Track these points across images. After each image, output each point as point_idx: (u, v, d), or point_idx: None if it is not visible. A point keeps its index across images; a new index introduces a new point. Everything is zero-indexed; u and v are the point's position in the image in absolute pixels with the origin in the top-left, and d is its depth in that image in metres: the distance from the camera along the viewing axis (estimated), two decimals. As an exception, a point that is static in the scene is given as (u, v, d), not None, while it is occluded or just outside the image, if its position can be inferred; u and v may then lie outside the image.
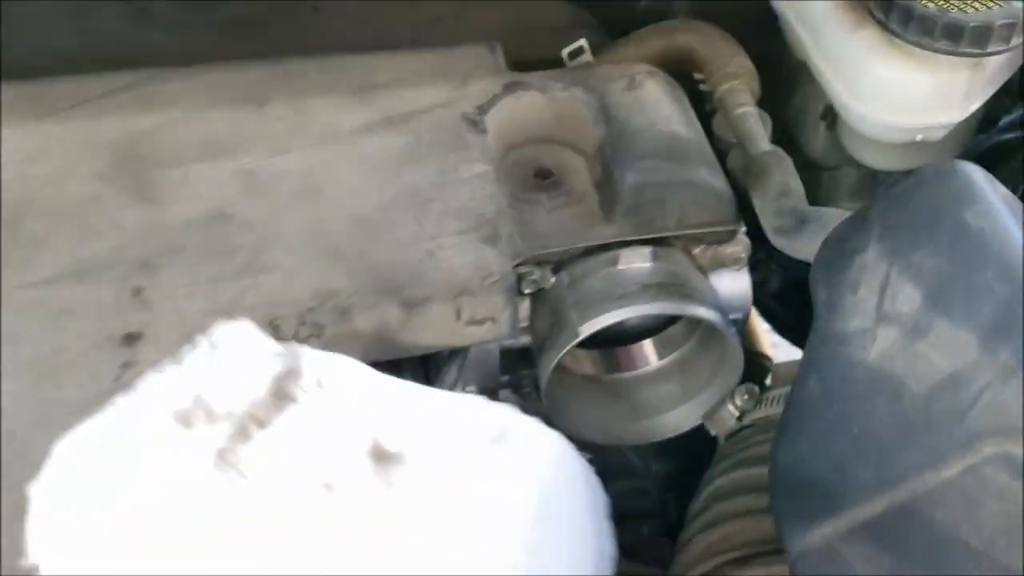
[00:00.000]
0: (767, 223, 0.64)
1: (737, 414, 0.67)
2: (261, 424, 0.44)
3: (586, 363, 0.76)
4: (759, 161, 0.70)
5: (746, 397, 0.67)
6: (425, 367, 0.74)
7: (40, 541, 0.41)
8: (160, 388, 0.47)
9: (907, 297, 0.45)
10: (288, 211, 0.64)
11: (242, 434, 0.44)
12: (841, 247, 0.49)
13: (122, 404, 0.46)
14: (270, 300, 0.60)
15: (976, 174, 0.46)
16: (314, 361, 0.47)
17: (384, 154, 0.67)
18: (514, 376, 0.78)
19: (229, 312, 0.59)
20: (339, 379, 0.48)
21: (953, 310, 0.43)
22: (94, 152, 0.67)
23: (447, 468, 0.47)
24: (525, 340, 0.76)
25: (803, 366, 0.50)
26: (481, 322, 0.61)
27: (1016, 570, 0.37)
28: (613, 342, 0.74)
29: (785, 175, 0.68)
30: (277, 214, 0.64)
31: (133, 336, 0.58)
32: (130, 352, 0.57)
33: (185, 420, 0.45)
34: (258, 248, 0.62)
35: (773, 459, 0.49)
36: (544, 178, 0.72)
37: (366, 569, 0.43)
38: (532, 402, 0.78)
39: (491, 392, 0.77)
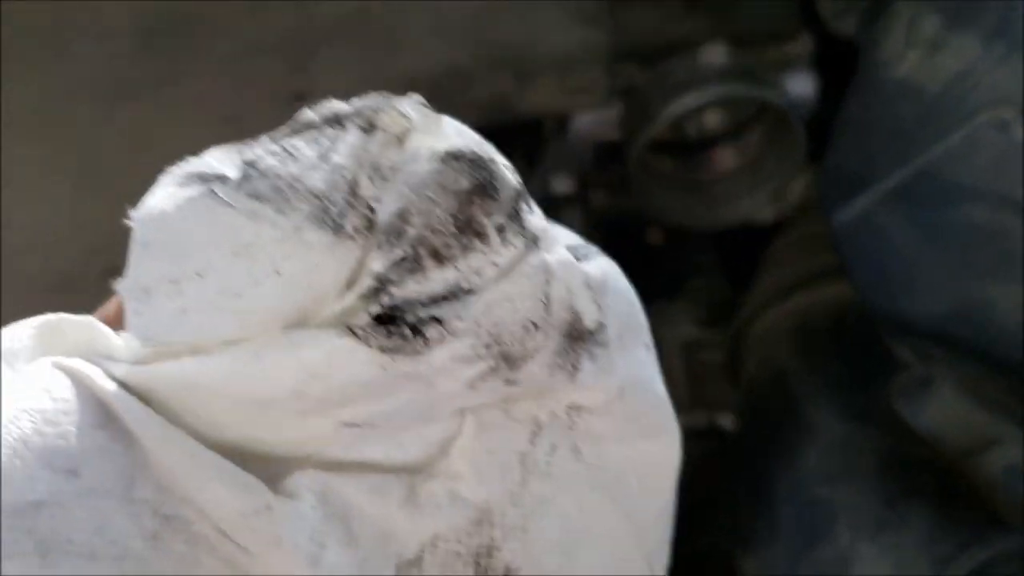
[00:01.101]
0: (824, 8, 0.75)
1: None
2: (439, 259, 0.28)
3: (668, 164, 0.88)
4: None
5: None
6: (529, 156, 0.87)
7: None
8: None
9: (930, 23, 0.57)
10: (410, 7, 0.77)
11: (412, 267, 0.27)
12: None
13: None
14: (406, 76, 0.73)
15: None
16: (508, 182, 0.29)
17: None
18: (608, 171, 0.90)
19: (373, 86, 0.73)
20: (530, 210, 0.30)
21: (963, 24, 0.55)
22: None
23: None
24: (617, 136, 0.88)
25: (849, 96, 0.62)
26: (583, 91, 0.74)
27: (1004, 192, 0.49)
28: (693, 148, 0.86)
29: None
30: (405, 9, 0.77)
31: (302, 94, 0.72)
32: (301, 106, 0.71)
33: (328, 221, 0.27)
34: (392, 31, 0.75)
35: (824, 167, 0.62)
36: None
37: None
38: (621, 199, 0.90)
39: (583, 187, 0.89)
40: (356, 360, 0.27)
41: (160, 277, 0.27)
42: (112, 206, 0.30)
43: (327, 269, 0.27)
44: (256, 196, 0.27)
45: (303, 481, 0.27)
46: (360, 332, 0.27)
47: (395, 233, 0.27)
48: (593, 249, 0.31)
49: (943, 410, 0.55)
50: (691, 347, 0.91)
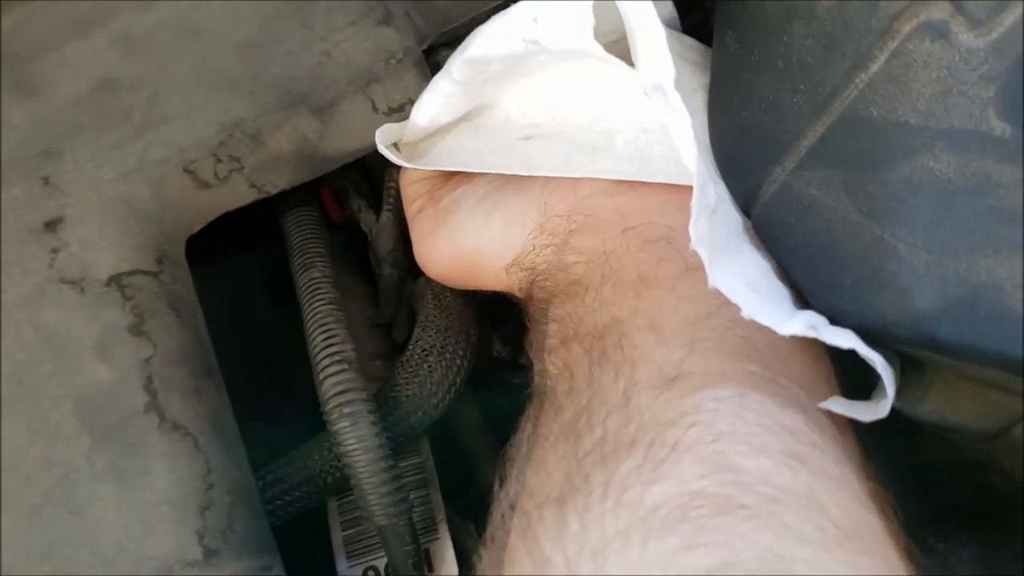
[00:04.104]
0: None
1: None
2: None
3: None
4: None
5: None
6: (373, 187, 0.72)
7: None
8: None
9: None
10: (172, 59, 0.61)
11: None
12: None
13: None
14: (178, 147, 0.57)
15: None
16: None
17: (254, -29, 0.63)
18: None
19: (140, 172, 0.57)
20: None
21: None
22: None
23: None
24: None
25: (717, 27, 0.47)
26: (400, 107, 0.58)
27: (968, 126, 0.35)
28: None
29: None
30: (162, 65, 0.61)
31: (54, 222, 0.56)
32: (56, 238, 0.55)
33: None
34: (151, 103, 0.59)
35: (711, 137, 0.47)
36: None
37: None
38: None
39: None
40: None
41: None
42: None
43: None
44: None
45: None
46: None
47: None
48: None
49: (947, 394, 0.42)
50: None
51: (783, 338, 0.37)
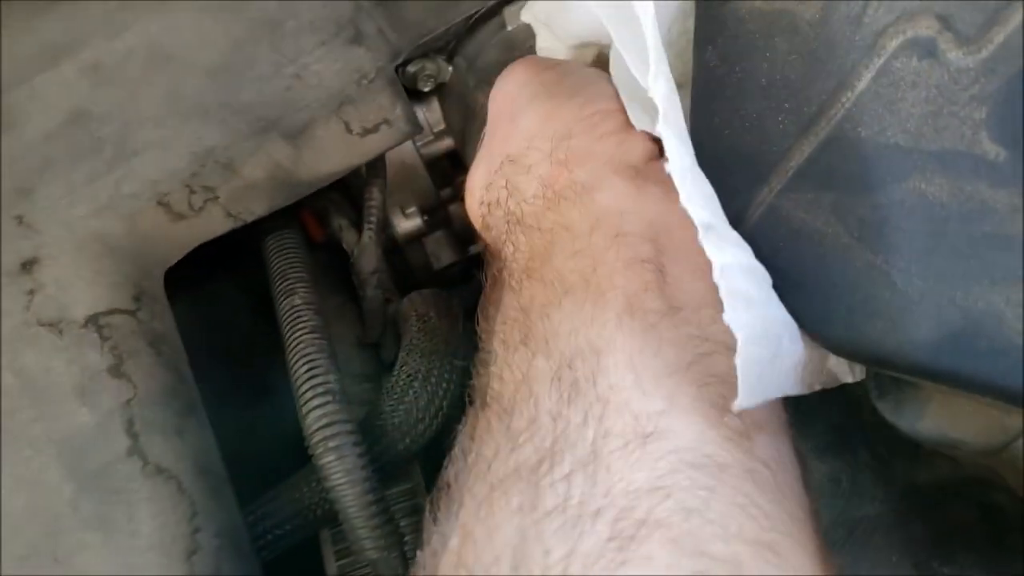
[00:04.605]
0: None
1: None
2: None
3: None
4: None
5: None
6: (354, 204, 0.70)
7: None
8: None
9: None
10: (142, 88, 0.59)
11: None
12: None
13: None
14: (150, 180, 0.56)
15: None
16: None
17: (221, -7, 0.61)
18: (455, 187, 0.74)
19: (114, 207, 0.56)
20: None
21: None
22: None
23: None
24: (448, 142, 0.73)
25: (697, 44, 0.46)
26: (375, 128, 0.57)
27: (959, 148, 0.33)
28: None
29: None
30: (132, 95, 0.59)
31: (29, 262, 0.54)
32: (31, 279, 0.54)
33: None
34: (123, 134, 0.57)
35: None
36: (399, -38, 0.66)
37: None
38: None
39: (433, 210, 0.73)
40: None
41: None
42: None
43: None
44: None
45: None
46: None
47: None
48: None
49: (946, 411, 0.41)
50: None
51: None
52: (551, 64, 0.52)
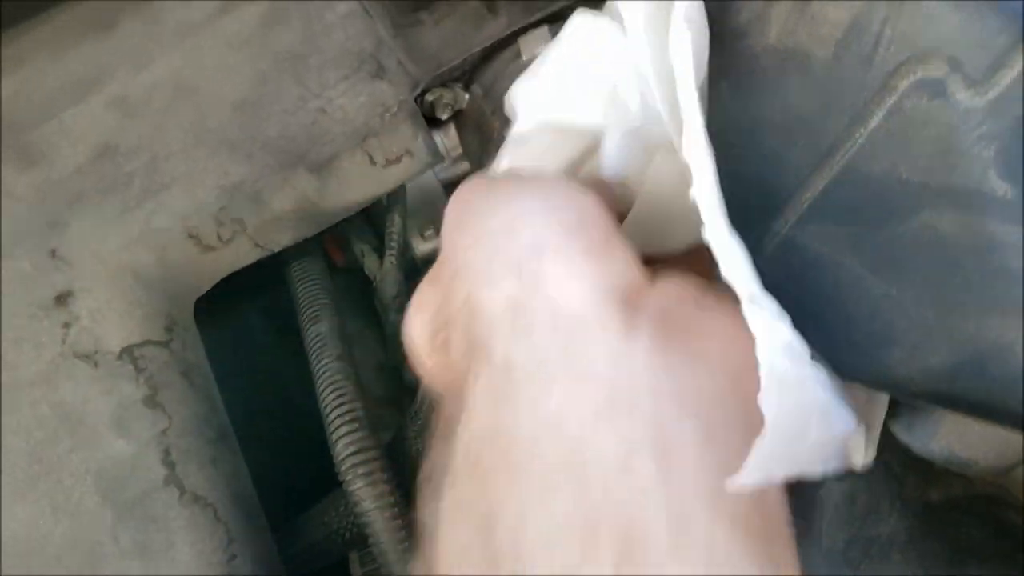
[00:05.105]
0: None
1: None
2: None
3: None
4: None
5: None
6: (375, 230, 0.72)
7: None
8: None
9: (788, -38, 0.41)
10: (169, 121, 0.61)
11: None
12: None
13: None
14: (180, 214, 0.57)
15: None
16: None
17: (245, 28, 0.63)
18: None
19: (145, 240, 0.57)
20: None
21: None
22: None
23: None
24: (465, 166, 0.74)
25: (712, 76, 0.47)
26: (398, 159, 0.58)
27: (967, 185, 0.35)
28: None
29: None
30: (159, 128, 0.61)
31: (64, 295, 0.56)
32: (66, 312, 0.56)
33: None
34: (151, 168, 0.59)
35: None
36: (419, -4, 0.68)
37: None
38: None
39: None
40: None
41: None
42: None
43: None
44: None
45: None
46: None
47: None
48: None
49: (957, 431, 0.42)
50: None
51: None
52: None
